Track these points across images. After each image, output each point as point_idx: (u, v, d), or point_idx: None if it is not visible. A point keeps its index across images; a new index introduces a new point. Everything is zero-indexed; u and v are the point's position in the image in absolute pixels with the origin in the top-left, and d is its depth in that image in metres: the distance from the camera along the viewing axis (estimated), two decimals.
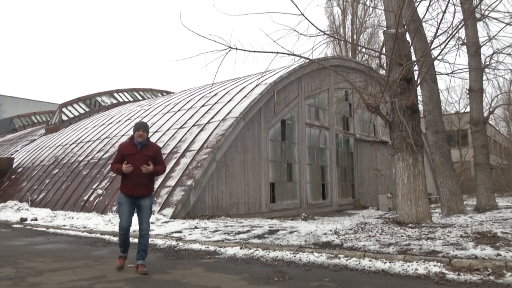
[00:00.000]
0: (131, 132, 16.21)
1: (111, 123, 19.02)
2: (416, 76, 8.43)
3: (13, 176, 18.72)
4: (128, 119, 18.27)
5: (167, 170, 11.94)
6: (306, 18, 7.04)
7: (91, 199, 12.99)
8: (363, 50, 28.93)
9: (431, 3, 7.77)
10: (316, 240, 6.56)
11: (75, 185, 14.32)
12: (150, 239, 7.70)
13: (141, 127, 5.29)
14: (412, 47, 9.24)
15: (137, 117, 17.83)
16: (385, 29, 9.22)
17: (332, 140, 17.48)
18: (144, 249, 5.09)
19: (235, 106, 13.13)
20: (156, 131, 14.74)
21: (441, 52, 7.41)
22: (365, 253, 5.40)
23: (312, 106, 16.46)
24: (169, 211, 10.29)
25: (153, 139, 14.23)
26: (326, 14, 34.65)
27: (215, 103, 14.42)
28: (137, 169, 5.04)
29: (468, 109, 20.83)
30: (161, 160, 5.41)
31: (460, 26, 7.98)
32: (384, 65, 9.81)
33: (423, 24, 10.11)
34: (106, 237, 8.37)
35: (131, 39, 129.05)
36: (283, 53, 7.13)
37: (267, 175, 13.52)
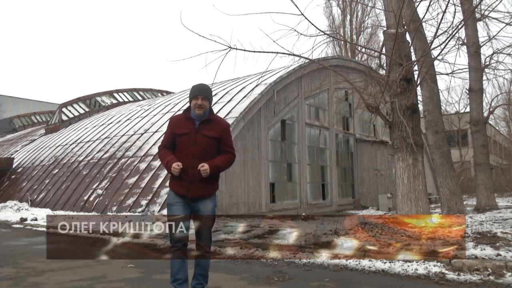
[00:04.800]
0: (131, 132, 16.29)
1: (111, 123, 19.02)
2: (416, 76, 8.42)
3: (13, 176, 18.72)
4: (128, 119, 18.26)
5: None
6: (306, 18, 7.03)
7: (91, 199, 12.99)
8: (363, 50, 28.92)
9: (431, 3, 7.77)
10: (316, 240, 6.56)
11: (75, 185, 14.32)
12: (150, 239, 7.71)
13: (200, 92, 3.55)
14: (412, 47, 9.23)
15: (137, 117, 17.83)
16: (385, 29, 9.22)
17: (332, 140, 17.48)
18: (204, 274, 3.65)
19: (235, 106, 13.13)
20: (156, 131, 14.74)
21: (441, 52, 7.41)
22: (365, 253, 5.40)
23: (312, 106, 16.46)
24: None
25: (153, 139, 14.24)
26: (325, 14, 34.61)
27: (215, 103, 14.42)
28: (194, 158, 3.46)
29: (468, 109, 20.80)
30: (228, 142, 3.65)
31: (460, 26, 7.98)
32: (384, 65, 9.81)
33: (423, 24, 10.10)
34: (106, 237, 8.36)
35: (131, 39, 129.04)
36: (283, 53, 7.13)
37: (267, 175, 13.52)
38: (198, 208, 3.55)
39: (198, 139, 3.52)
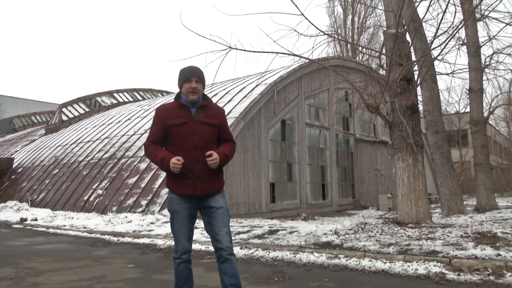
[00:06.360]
0: (131, 132, 16.28)
1: (111, 123, 19.02)
2: (416, 76, 8.44)
3: (13, 176, 18.72)
4: (128, 119, 18.26)
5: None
6: (306, 18, 7.04)
7: (91, 199, 12.99)
8: (363, 50, 28.93)
9: (431, 3, 7.78)
10: (316, 240, 6.56)
11: (75, 185, 14.32)
12: (149, 239, 7.71)
13: (194, 74, 3.11)
14: (412, 47, 9.25)
15: (137, 117, 17.83)
16: (385, 29, 9.23)
17: (332, 140, 17.48)
18: (236, 283, 3.05)
19: (235, 106, 13.13)
20: None
21: (441, 52, 7.43)
22: (365, 253, 5.40)
23: (312, 106, 16.46)
24: None
25: None
26: (328, 13, 34.65)
27: (215, 103, 14.42)
28: (197, 149, 3.01)
29: (468, 109, 20.82)
30: (228, 130, 3.26)
31: (460, 26, 7.98)
32: (384, 65, 9.83)
33: (423, 24, 10.12)
34: (106, 237, 8.37)
35: (131, 39, 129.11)
36: (283, 53, 7.14)
37: (267, 175, 13.52)
38: (209, 205, 3.05)
39: (197, 128, 3.05)
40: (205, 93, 3.27)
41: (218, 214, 3.05)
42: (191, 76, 3.09)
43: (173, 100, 3.23)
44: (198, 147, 3.01)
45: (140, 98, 28.14)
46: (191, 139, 3.02)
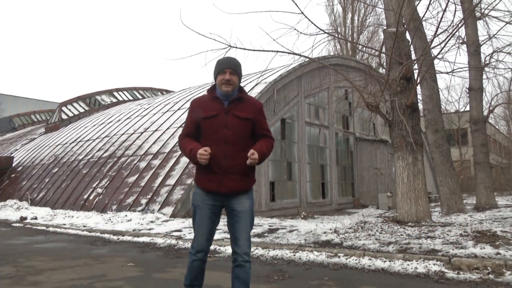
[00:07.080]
0: (131, 131, 16.28)
1: (111, 122, 19.02)
2: (416, 75, 8.42)
3: (13, 175, 18.72)
4: (127, 118, 18.26)
5: (167, 169, 11.94)
6: (306, 16, 7.03)
7: (91, 198, 12.99)
8: (363, 48, 28.88)
9: (431, 2, 7.77)
10: (316, 239, 6.56)
11: (75, 184, 14.33)
12: (149, 238, 7.71)
13: (228, 65, 2.97)
14: (412, 46, 9.24)
15: (137, 116, 17.82)
16: (385, 27, 9.22)
17: (332, 139, 17.48)
18: None
19: None
20: (156, 130, 14.73)
21: (441, 51, 7.42)
22: (365, 252, 5.40)
23: (312, 105, 16.45)
24: (169, 210, 10.30)
25: (152, 138, 14.23)
26: (327, 12, 34.61)
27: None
28: (227, 144, 2.87)
29: (468, 108, 20.80)
30: (265, 126, 3.06)
31: (460, 25, 7.97)
32: (384, 63, 9.83)
33: (423, 23, 10.11)
34: (106, 236, 8.37)
35: (131, 38, 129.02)
36: (283, 52, 7.13)
37: (267, 174, 13.51)
38: (232, 207, 2.92)
39: (228, 122, 2.89)
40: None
41: (240, 217, 2.91)
42: (225, 67, 2.96)
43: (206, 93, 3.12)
44: (227, 141, 2.86)
45: (140, 97, 28.13)
46: (220, 133, 2.87)
